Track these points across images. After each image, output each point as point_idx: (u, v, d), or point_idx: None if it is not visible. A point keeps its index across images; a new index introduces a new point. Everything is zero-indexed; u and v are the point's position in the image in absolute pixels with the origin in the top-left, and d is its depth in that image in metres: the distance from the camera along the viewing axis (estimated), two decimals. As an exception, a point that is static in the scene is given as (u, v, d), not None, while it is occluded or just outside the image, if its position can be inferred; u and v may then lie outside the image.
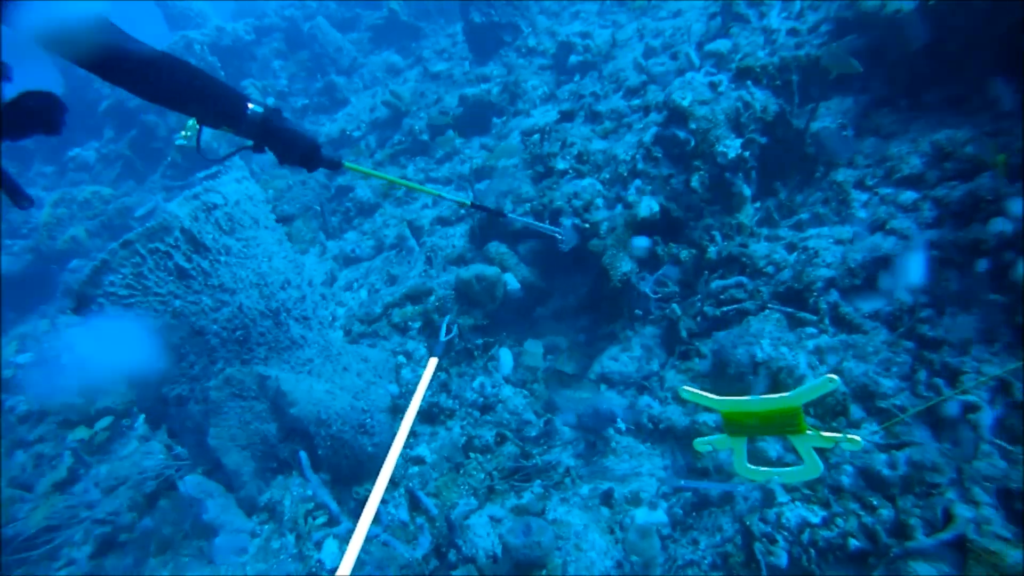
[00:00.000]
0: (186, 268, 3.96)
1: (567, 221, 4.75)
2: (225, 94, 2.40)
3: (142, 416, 4.54)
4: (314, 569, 3.84)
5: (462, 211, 6.59)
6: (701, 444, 2.79)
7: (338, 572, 1.50)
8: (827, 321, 4.11)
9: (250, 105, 2.44)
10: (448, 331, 4.43)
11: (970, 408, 3.44)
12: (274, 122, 2.51)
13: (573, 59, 8.00)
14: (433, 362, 2.43)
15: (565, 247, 4.71)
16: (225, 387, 4.07)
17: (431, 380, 3.29)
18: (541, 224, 4.70)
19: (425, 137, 8.06)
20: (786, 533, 3.33)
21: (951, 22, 4.47)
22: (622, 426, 4.34)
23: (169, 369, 4.08)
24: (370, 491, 4.12)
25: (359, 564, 3.93)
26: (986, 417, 3.42)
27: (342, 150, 9.02)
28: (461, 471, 4.46)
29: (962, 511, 3.15)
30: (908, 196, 4.29)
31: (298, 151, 2.66)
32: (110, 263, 3.79)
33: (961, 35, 4.47)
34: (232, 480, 4.13)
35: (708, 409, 4.04)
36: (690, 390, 2.44)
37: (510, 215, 4.58)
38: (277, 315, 4.37)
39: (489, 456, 4.51)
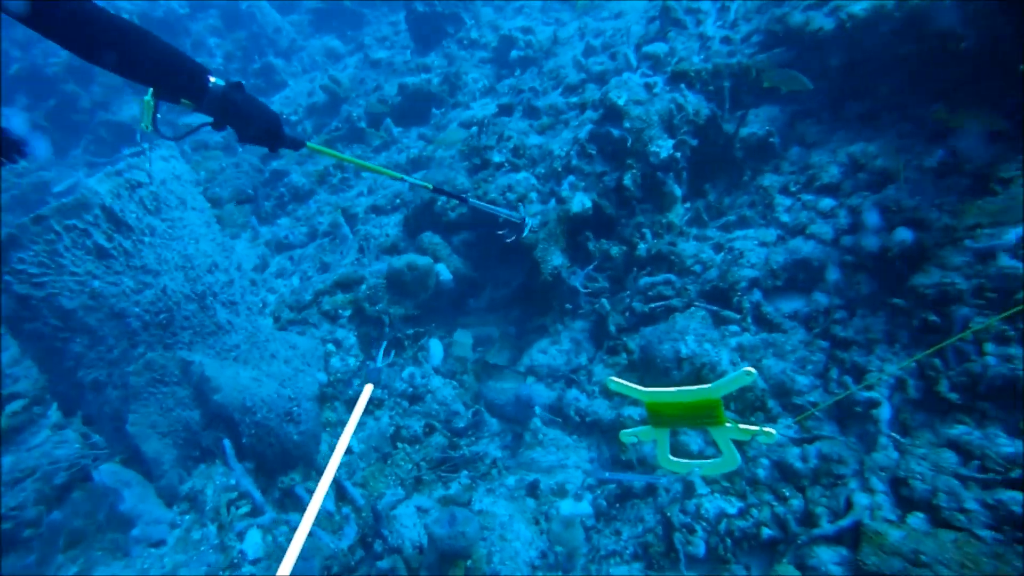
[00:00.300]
0: (106, 247, 3.80)
1: (530, 221, 4.78)
2: (186, 66, 2.26)
3: (55, 404, 4.32)
4: (236, 560, 3.75)
5: (397, 201, 6.53)
6: (626, 435, 2.87)
7: (278, 572, 1.49)
8: (749, 320, 4.29)
9: (212, 78, 2.30)
10: (386, 355, 4.39)
11: (872, 404, 3.67)
12: (236, 96, 2.37)
13: (514, 54, 8.04)
14: (368, 388, 2.38)
15: (508, 238, 4.74)
16: (146, 372, 3.92)
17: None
18: (501, 209, 4.66)
19: (363, 124, 7.95)
20: (705, 523, 3.47)
21: (864, 44, 4.73)
22: (538, 411, 4.41)
23: (85, 353, 3.90)
24: (296, 480, 4.05)
25: (282, 553, 3.88)
26: (885, 412, 3.66)
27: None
28: (389, 461, 4.45)
29: (860, 499, 3.37)
30: (827, 203, 4.51)
31: (260, 128, 2.50)
32: (19, 239, 3.60)
33: (873, 58, 4.74)
34: (152, 469, 3.99)
35: (634, 403, 4.18)
36: (617, 381, 2.52)
37: (471, 200, 4.58)
38: (203, 299, 4.24)
39: (417, 447, 4.52)
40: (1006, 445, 3.32)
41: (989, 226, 3.80)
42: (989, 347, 3.53)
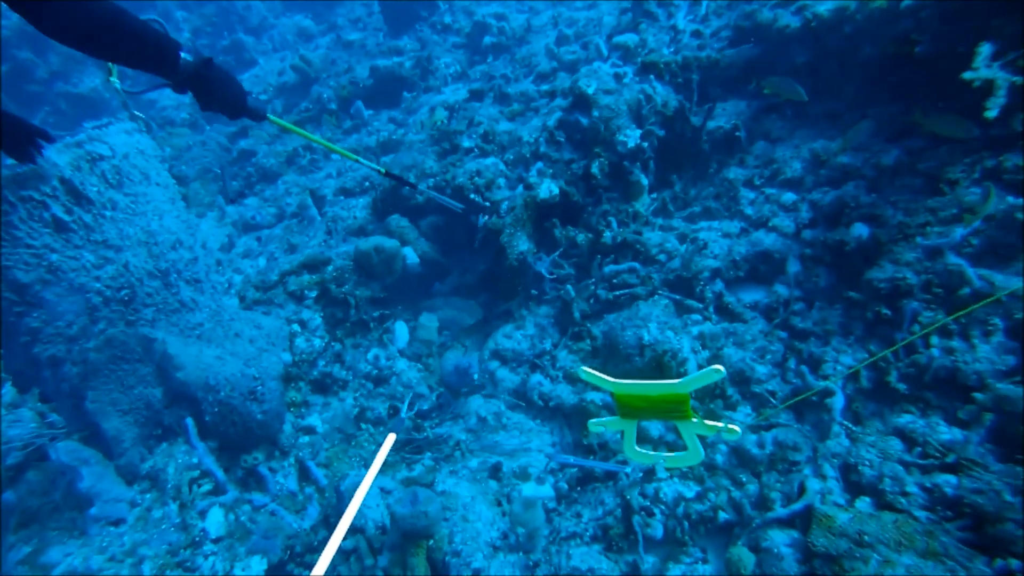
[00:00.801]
0: (65, 221, 3.71)
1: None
2: (158, 42, 2.18)
3: (9, 382, 4.21)
4: (197, 538, 3.73)
5: (366, 183, 6.50)
6: (595, 425, 2.93)
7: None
8: (711, 309, 4.40)
9: (182, 54, 2.25)
10: (410, 407, 4.40)
11: (827, 393, 3.81)
12: (205, 73, 2.35)
13: (487, 40, 8.02)
14: (391, 438, 2.40)
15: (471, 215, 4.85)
16: (107, 348, 3.85)
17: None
18: (443, 198, 4.76)
19: (333, 106, 7.85)
20: (663, 507, 3.57)
21: (828, 44, 4.86)
22: (475, 376, 4.64)
23: (42, 328, 3.82)
24: (259, 459, 4.04)
25: (244, 533, 3.87)
26: (839, 402, 3.81)
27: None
28: (352, 442, 4.46)
29: (813, 484, 3.51)
30: (789, 197, 4.64)
31: (225, 97, 2.50)
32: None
33: (836, 58, 4.87)
34: (112, 447, 3.92)
35: (597, 389, 4.26)
36: (588, 371, 2.57)
37: (420, 188, 4.62)
38: (167, 276, 4.17)
39: (381, 428, 4.54)
40: (945, 433, 3.50)
41: (938, 224, 3.97)
42: (934, 340, 3.69)
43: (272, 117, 3.01)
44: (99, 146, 3.90)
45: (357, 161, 3.78)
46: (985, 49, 3.63)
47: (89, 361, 3.80)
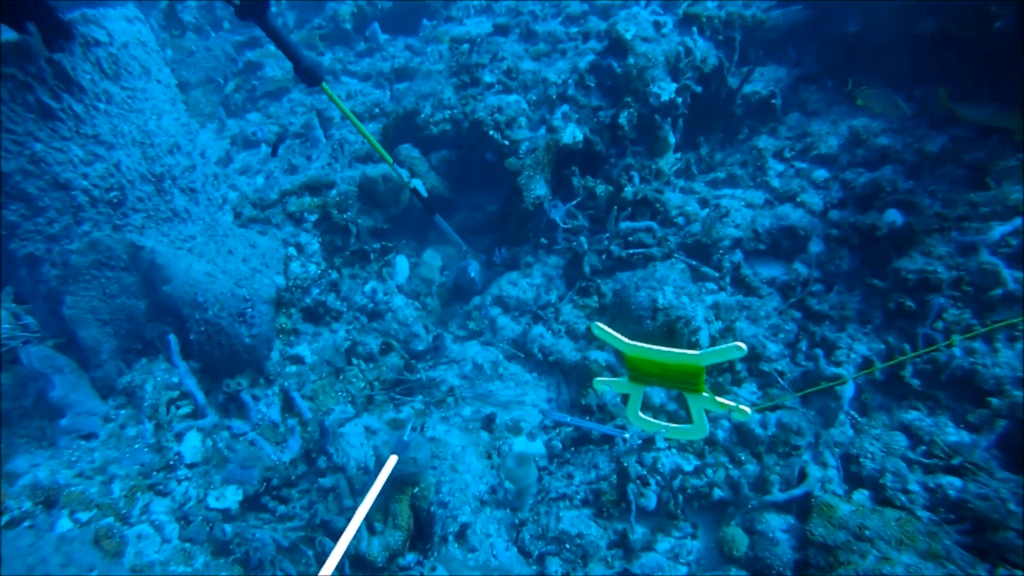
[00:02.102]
0: (52, 108, 3.39)
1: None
2: None
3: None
4: (172, 462, 3.57)
5: (376, 110, 6.16)
6: (600, 384, 2.76)
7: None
8: (728, 280, 4.23)
9: None
10: (413, 429, 4.18)
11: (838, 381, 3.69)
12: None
13: (518, -29, 7.55)
14: (393, 459, 2.43)
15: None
16: (90, 252, 3.59)
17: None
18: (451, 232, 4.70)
19: (348, 26, 7.40)
20: (659, 477, 3.47)
21: (880, 14, 4.57)
22: (477, 279, 4.69)
23: (20, 223, 3.54)
24: (242, 385, 3.86)
25: (221, 460, 3.72)
26: (848, 391, 3.69)
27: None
28: (341, 377, 4.29)
29: (814, 471, 3.41)
30: (820, 174, 4.44)
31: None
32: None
33: (887, 29, 4.59)
34: (88, 357, 3.70)
35: (600, 348, 4.11)
36: (603, 328, 2.40)
37: (442, 224, 4.58)
38: (161, 181, 3.89)
39: (372, 365, 4.36)
40: (952, 434, 3.41)
41: (977, 219, 3.80)
42: (957, 339, 3.57)
43: (325, 87, 3.14)
44: (95, 30, 3.56)
45: (389, 162, 3.70)
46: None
47: (70, 264, 3.55)
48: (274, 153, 5.48)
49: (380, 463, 3.50)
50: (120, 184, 3.65)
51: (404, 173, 3.85)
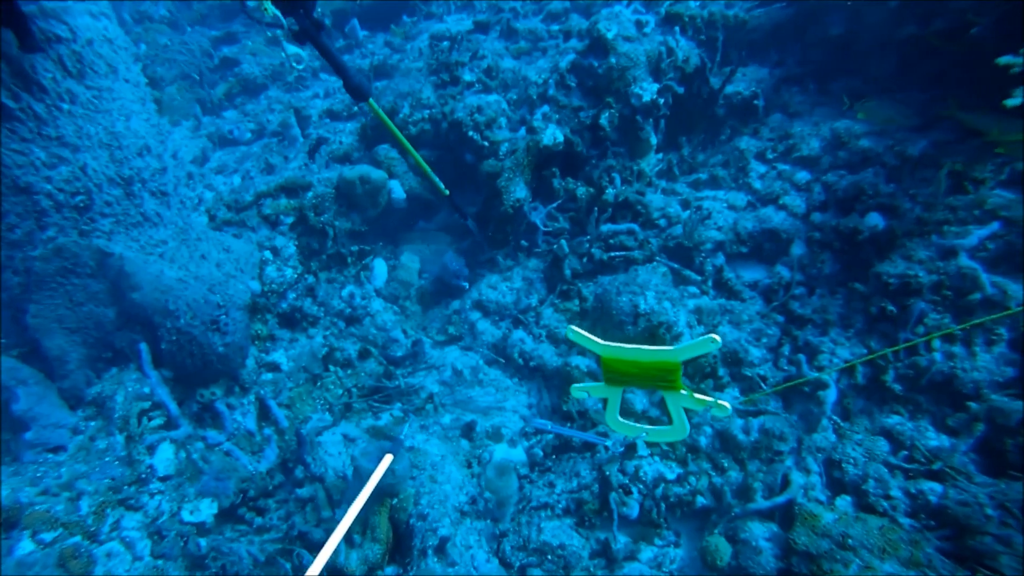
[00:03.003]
0: (11, 108, 3.26)
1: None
2: None
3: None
4: (143, 475, 3.46)
5: (355, 108, 6.05)
6: (578, 390, 2.72)
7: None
8: (710, 283, 4.20)
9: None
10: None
11: (820, 385, 3.68)
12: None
13: (499, -33, 7.44)
14: (388, 458, 2.37)
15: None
16: (55, 259, 3.46)
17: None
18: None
19: (327, 21, 7.24)
20: (641, 486, 3.43)
21: (867, 18, 4.55)
22: (465, 285, 4.66)
23: (-20, 229, 3.40)
24: (216, 395, 3.76)
25: (195, 472, 3.62)
26: (831, 395, 3.68)
27: (233, 20, 7.91)
28: (319, 383, 4.20)
29: (796, 478, 3.40)
30: (803, 176, 4.41)
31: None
32: None
33: (872, 34, 4.58)
34: (54, 368, 3.58)
35: (581, 353, 4.06)
36: (577, 330, 2.35)
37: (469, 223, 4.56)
38: (130, 184, 3.77)
39: (350, 371, 4.28)
40: (932, 439, 3.41)
41: (957, 223, 3.80)
42: (936, 343, 3.57)
43: (373, 103, 3.33)
44: (56, 25, 3.41)
45: (430, 175, 3.83)
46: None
47: (33, 271, 3.42)
48: (311, 158, 5.35)
49: (358, 475, 3.43)
50: (86, 188, 3.53)
51: (439, 184, 3.91)
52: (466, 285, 4.68)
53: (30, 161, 3.36)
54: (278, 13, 2.82)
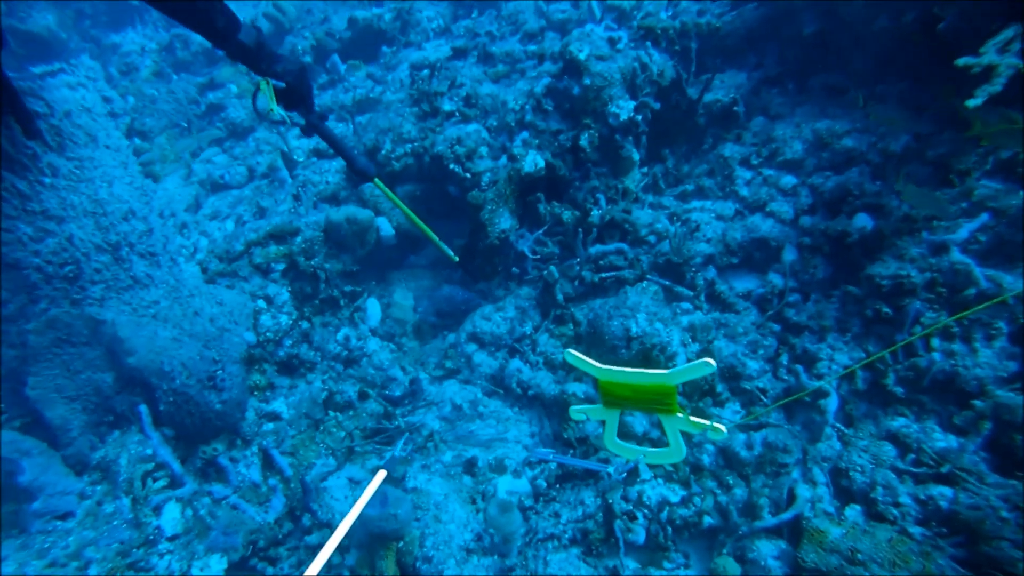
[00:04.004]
0: (-4, 189, 3.34)
1: None
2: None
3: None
4: (152, 536, 3.49)
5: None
6: (576, 413, 2.72)
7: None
8: (702, 298, 4.17)
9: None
10: (404, 447, 4.09)
11: (821, 394, 3.64)
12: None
13: (473, -9, 7.49)
14: (382, 474, 2.34)
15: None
16: (48, 331, 3.52)
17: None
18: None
19: (308, 59, 7.32)
20: (646, 510, 3.40)
21: (840, 13, 4.52)
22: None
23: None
24: (219, 450, 3.78)
25: (203, 529, 3.65)
26: (832, 403, 3.64)
27: (218, 64, 8.01)
28: (320, 428, 4.22)
29: (803, 491, 3.36)
30: (788, 180, 4.38)
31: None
32: None
33: (848, 29, 4.54)
34: (58, 436, 3.62)
35: (578, 379, 4.05)
36: (575, 354, 2.35)
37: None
38: (117, 250, 3.82)
39: (351, 413, 4.29)
40: (940, 440, 3.35)
41: (945, 218, 3.75)
42: (935, 342, 3.52)
43: (378, 182, 3.53)
44: (32, 101, 3.48)
45: (437, 244, 3.93)
46: (1008, 32, 3.32)
47: (29, 344, 3.48)
48: (298, 201, 5.50)
49: (362, 521, 3.42)
50: (74, 258, 3.58)
51: (448, 251, 4.02)
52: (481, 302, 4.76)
53: (17, 237, 3.42)
54: (285, 115, 3.03)
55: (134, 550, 3.42)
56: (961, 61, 3.19)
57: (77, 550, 3.34)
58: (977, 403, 3.31)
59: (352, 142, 5.48)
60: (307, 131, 3.21)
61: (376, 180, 3.53)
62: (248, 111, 7.00)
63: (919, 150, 4.00)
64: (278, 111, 2.91)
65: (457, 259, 4.07)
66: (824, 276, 4.00)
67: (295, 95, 3.03)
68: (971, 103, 3.22)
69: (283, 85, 2.89)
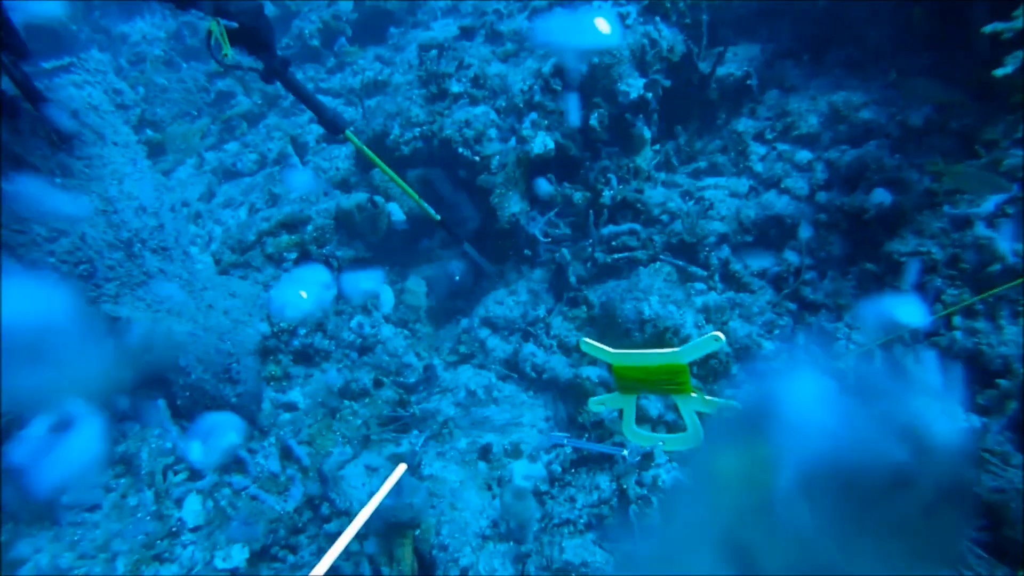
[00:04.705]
0: (7, 191, 3.36)
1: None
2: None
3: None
4: (175, 528, 3.57)
5: (351, 130, 6.08)
6: (595, 403, 2.74)
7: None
8: (716, 278, 4.10)
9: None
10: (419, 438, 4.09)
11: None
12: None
13: (482, -34, 7.34)
14: (402, 467, 2.32)
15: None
16: (66, 329, 3.59)
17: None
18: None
19: (316, 43, 7.27)
20: (661, 495, 3.39)
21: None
22: (460, 279, 4.74)
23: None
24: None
25: (224, 519, 3.72)
26: (852, 382, 3.58)
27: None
28: (337, 416, 4.25)
29: (821, 473, 3.32)
30: (803, 155, 4.27)
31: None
32: None
33: (863, 2, 4.38)
34: (80, 430, 3.73)
35: (592, 363, 4.02)
36: (589, 342, 2.35)
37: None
38: (130, 246, 3.85)
39: (366, 401, 4.32)
40: (963, 420, 3.28)
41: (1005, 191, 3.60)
42: (957, 320, 3.43)
43: (350, 134, 3.37)
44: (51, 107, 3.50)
45: (419, 204, 3.69)
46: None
47: (47, 343, 3.53)
48: None
49: (378, 511, 3.45)
50: (88, 256, 3.62)
51: (429, 210, 3.81)
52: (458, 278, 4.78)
53: (31, 239, 3.45)
54: (239, 59, 2.79)
55: (158, 541, 3.50)
56: (988, 28, 3.06)
57: (105, 542, 3.42)
58: (1002, 382, 3.22)
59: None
60: (266, 77, 2.96)
61: (348, 132, 3.35)
62: (257, 95, 6.99)
63: (941, 122, 3.87)
64: (231, 55, 2.66)
65: (439, 217, 3.93)
66: (841, 253, 3.91)
67: (253, 37, 2.75)
68: (1000, 72, 3.10)
69: (235, 25, 2.59)
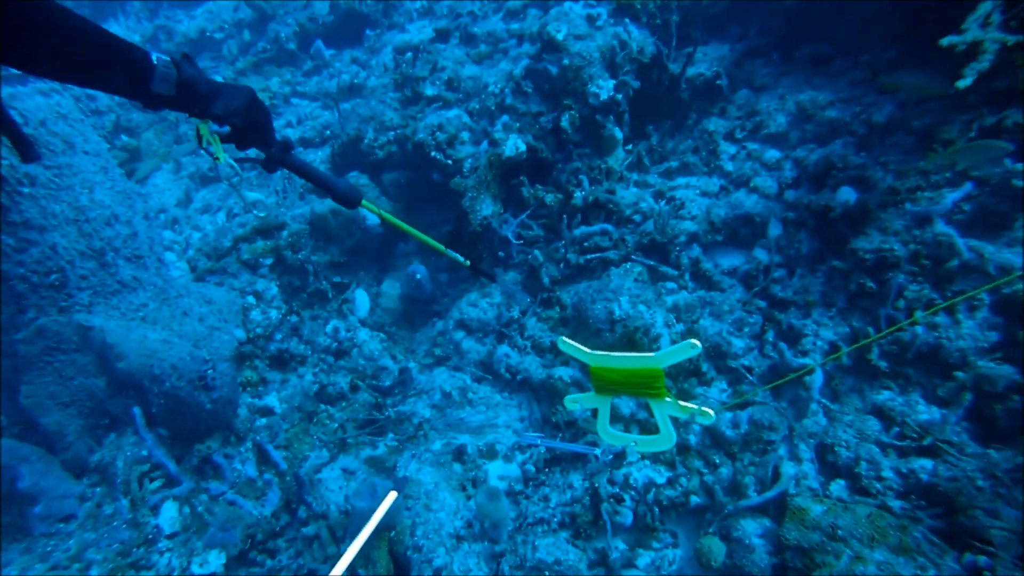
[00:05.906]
0: (-25, 204, 3.37)
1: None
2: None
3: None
4: (151, 535, 3.58)
5: (327, 132, 6.07)
6: (571, 402, 2.77)
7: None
8: (687, 277, 4.16)
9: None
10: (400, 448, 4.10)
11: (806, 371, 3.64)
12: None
13: (456, -32, 7.35)
14: (392, 495, 2.32)
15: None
16: (38, 339, 3.58)
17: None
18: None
19: (292, 46, 7.25)
20: (633, 492, 3.45)
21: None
22: (426, 285, 4.67)
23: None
24: (212, 448, 3.84)
25: (201, 525, 3.73)
26: (818, 379, 3.65)
27: (201, 55, 7.96)
28: (313, 420, 4.28)
29: (787, 468, 3.39)
30: (772, 154, 4.33)
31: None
32: None
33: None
34: (55, 441, 3.70)
35: (565, 363, 4.07)
36: (567, 341, 2.38)
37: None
38: (102, 255, 3.85)
39: (343, 404, 4.35)
40: (923, 412, 3.37)
41: (929, 188, 3.71)
42: (918, 315, 3.51)
43: (367, 203, 2.96)
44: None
45: (446, 253, 3.47)
46: (986, 5, 3.25)
47: (19, 354, 3.54)
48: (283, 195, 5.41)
49: (354, 513, 3.49)
50: (59, 266, 3.62)
51: (458, 258, 3.58)
52: (426, 285, 4.72)
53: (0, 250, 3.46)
54: (235, 165, 2.56)
55: (134, 549, 3.52)
56: (945, 41, 3.14)
57: (78, 552, 3.43)
58: (959, 374, 3.31)
59: (339, 132, 5.41)
60: (269, 166, 2.63)
61: (365, 202, 3.24)
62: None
63: (904, 119, 3.95)
64: (225, 160, 2.32)
65: (468, 263, 3.74)
66: (809, 251, 3.98)
67: (247, 134, 2.40)
68: (961, 84, 3.17)
69: (227, 130, 2.28)
